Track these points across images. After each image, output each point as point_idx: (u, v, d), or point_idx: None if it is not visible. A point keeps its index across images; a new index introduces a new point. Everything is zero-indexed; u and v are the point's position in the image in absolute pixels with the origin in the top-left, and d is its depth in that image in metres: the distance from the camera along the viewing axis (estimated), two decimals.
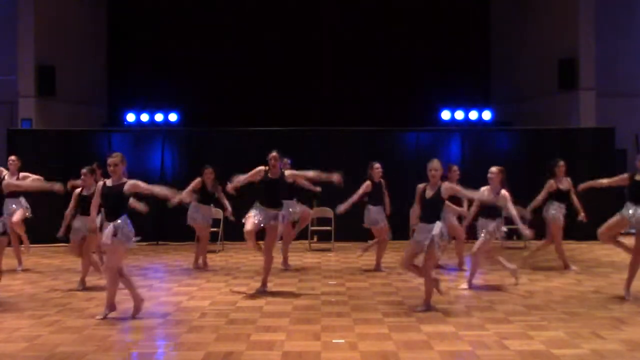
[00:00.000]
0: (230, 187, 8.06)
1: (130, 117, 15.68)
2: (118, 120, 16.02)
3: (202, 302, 7.29)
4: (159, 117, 15.64)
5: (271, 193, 7.70)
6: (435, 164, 6.73)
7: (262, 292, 7.80)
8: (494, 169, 7.88)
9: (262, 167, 7.78)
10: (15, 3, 15.05)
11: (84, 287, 8.09)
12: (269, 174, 7.71)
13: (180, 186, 11.03)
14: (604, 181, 7.94)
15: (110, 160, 6.56)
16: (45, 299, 7.55)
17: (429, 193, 6.74)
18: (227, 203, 9.86)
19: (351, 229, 12.38)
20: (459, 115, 15.81)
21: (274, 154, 7.76)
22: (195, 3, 17.05)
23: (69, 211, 8.40)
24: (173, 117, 15.76)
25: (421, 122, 15.00)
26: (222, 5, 16.95)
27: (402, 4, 16.99)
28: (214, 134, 13.65)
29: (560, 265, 9.63)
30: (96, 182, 7.65)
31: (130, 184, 6.53)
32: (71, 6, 16.08)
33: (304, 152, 12.64)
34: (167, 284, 8.56)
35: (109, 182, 6.61)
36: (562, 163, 9.38)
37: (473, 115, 15.82)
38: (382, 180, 9.41)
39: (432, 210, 6.73)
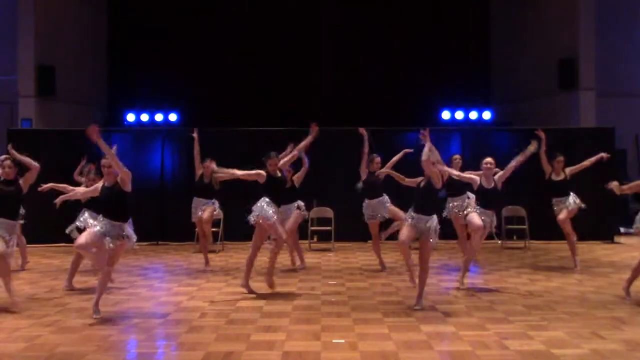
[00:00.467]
0: (216, 170, 8.09)
1: (130, 117, 15.69)
2: (118, 120, 16.03)
3: (202, 302, 7.29)
4: (159, 117, 15.66)
5: (274, 191, 7.66)
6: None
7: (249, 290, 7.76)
8: (491, 159, 7.95)
9: (263, 172, 7.70)
10: (15, 3, 15.06)
11: (71, 286, 8.03)
12: (271, 174, 7.68)
13: (180, 186, 11.10)
14: (624, 187, 7.86)
15: (104, 161, 6.49)
16: (45, 299, 7.55)
17: (422, 183, 6.95)
18: (231, 171, 9.65)
19: (351, 229, 12.38)
20: (459, 115, 15.82)
21: (273, 159, 7.70)
22: (195, 3, 17.06)
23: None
24: (173, 117, 15.78)
25: (421, 122, 14.96)
26: (222, 5, 16.96)
27: (402, 4, 17.00)
28: (214, 134, 13.64)
29: (560, 265, 9.64)
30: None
31: (119, 178, 6.43)
32: (71, 6, 16.09)
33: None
34: (167, 284, 8.55)
35: (107, 184, 6.54)
36: (560, 158, 9.46)
37: (473, 115, 15.84)
38: (379, 172, 9.30)
39: (425, 201, 6.85)
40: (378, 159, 9.38)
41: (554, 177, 9.47)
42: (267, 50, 16.73)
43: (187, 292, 7.95)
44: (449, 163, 9.32)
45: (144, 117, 15.63)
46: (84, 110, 15.93)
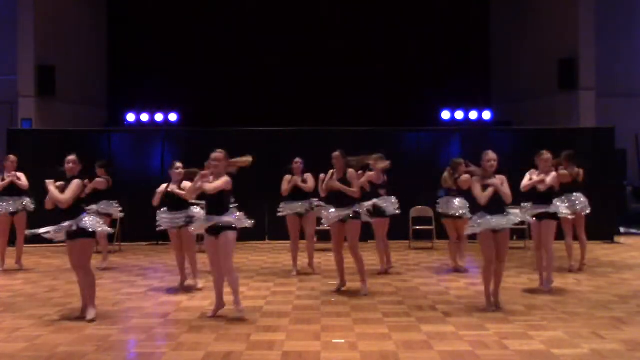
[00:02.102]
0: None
1: (130, 117, 15.70)
2: (118, 120, 16.03)
3: (202, 302, 7.29)
4: (159, 117, 15.66)
5: (338, 193, 7.58)
6: (492, 155, 6.72)
7: (365, 294, 7.68)
8: (548, 153, 7.81)
9: (331, 170, 7.75)
10: (15, 3, 15.07)
11: (184, 285, 8.07)
12: (335, 175, 7.67)
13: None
14: None
15: (214, 156, 6.58)
16: (45, 299, 7.54)
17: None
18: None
19: None
20: (459, 115, 15.83)
21: (336, 153, 7.76)
22: (195, 3, 17.06)
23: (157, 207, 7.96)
24: (173, 117, 15.78)
25: (421, 122, 15.00)
26: (222, 5, 16.96)
27: (402, 4, 17.01)
28: (214, 134, 13.64)
29: (560, 265, 9.63)
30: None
31: (226, 180, 6.50)
32: (71, 6, 16.10)
33: (304, 152, 12.61)
34: (167, 284, 8.55)
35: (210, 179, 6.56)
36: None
37: (473, 115, 15.85)
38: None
39: (500, 201, 6.66)
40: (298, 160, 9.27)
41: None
42: (267, 50, 16.73)
43: (187, 292, 7.94)
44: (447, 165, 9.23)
45: (144, 117, 15.63)
46: (84, 110, 15.94)
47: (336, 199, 7.61)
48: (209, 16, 16.89)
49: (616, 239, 13.07)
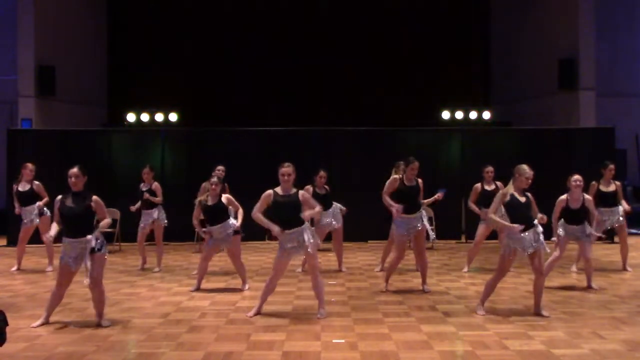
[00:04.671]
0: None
1: (130, 117, 15.69)
2: (118, 120, 16.03)
3: (202, 302, 7.29)
4: (159, 117, 15.65)
5: (410, 200, 7.61)
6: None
7: (427, 291, 7.81)
8: (580, 177, 7.85)
9: (396, 176, 7.71)
10: (15, 3, 15.08)
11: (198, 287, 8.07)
12: (405, 182, 7.63)
13: (180, 186, 11.10)
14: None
15: (283, 170, 6.48)
16: (45, 299, 7.52)
17: (523, 198, 6.50)
18: (157, 199, 9.73)
19: (351, 229, 12.37)
20: (459, 115, 15.81)
21: (412, 163, 7.65)
22: (196, 3, 17.07)
23: (195, 221, 8.03)
24: (173, 117, 15.77)
25: (421, 122, 15.01)
26: (222, 5, 16.97)
27: (402, 4, 17.01)
28: (214, 134, 13.65)
29: (559, 265, 9.61)
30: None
31: (303, 194, 6.53)
32: (71, 6, 16.11)
33: (304, 152, 12.63)
34: (167, 284, 8.55)
35: (279, 191, 6.51)
36: (611, 167, 9.27)
37: (473, 115, 15.83)
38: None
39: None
40: (322, 174, 9.37)
41: (604, 188, 9.26)
42: (267, 50, 16.74)
43: (187, 292, 7.95)
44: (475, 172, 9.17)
45: (144, 117, 15.63)
46: (84, 110, 15.95)
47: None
48: (209, 16, 16.89)
49: (616, 239, 13.03)
